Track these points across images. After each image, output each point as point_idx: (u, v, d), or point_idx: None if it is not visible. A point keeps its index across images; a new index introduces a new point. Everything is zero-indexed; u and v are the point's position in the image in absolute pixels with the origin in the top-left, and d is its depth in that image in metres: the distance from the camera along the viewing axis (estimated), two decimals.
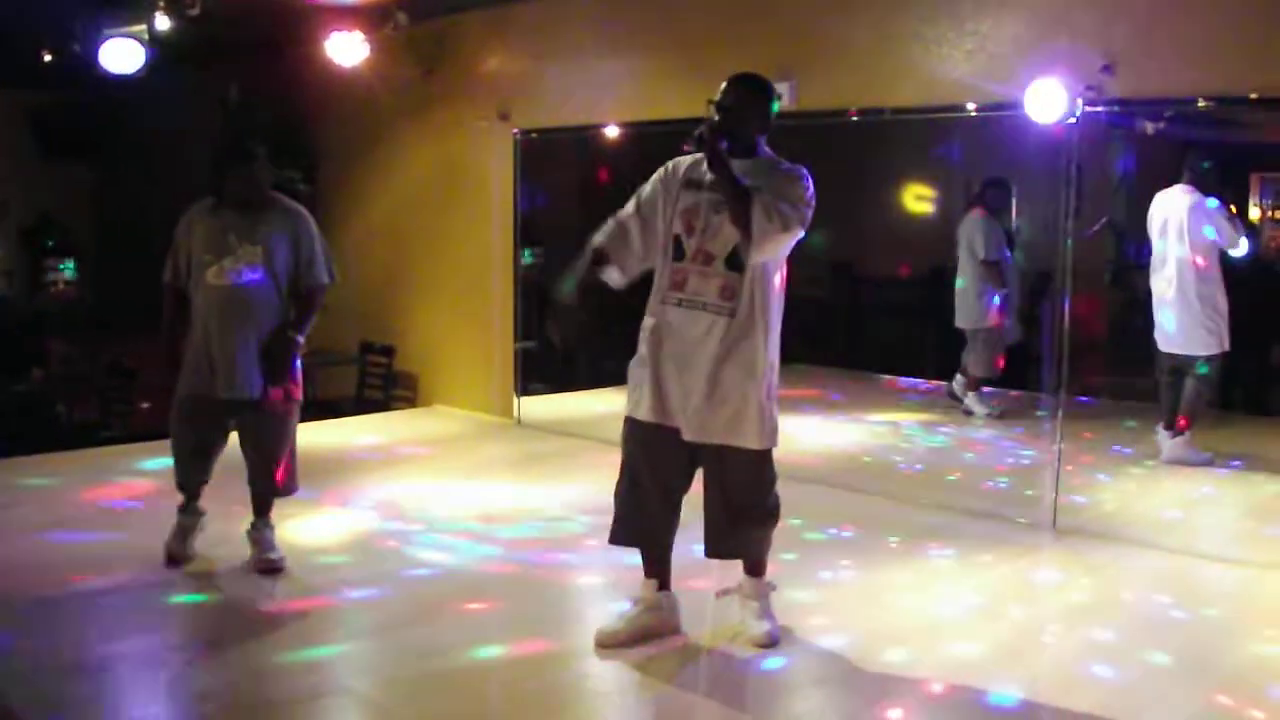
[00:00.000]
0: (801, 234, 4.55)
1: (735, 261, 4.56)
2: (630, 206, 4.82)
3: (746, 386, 4.58)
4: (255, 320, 5.58)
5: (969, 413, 9.20)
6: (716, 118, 4.55)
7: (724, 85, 4.65)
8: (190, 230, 5.65)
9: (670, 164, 4.80)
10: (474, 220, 9.76)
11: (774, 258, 4.57)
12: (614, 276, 4.77)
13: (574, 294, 4.72)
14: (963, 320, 9.24)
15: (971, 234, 9.08)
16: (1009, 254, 9.08)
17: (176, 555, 5.70)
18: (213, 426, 5.72)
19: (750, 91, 4.69)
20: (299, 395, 5.79)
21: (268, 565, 5.66)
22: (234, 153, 5.64)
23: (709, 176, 4.55)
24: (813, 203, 4.57)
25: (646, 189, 4.82)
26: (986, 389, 9.26)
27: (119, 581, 5.52)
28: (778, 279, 4.68)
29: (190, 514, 5.81)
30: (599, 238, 4.79)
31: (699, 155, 4.61)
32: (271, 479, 5.75)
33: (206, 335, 5.58)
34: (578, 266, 4.74)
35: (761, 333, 4.59)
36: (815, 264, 9.37)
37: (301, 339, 5.73)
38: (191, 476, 5.77)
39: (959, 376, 9.28)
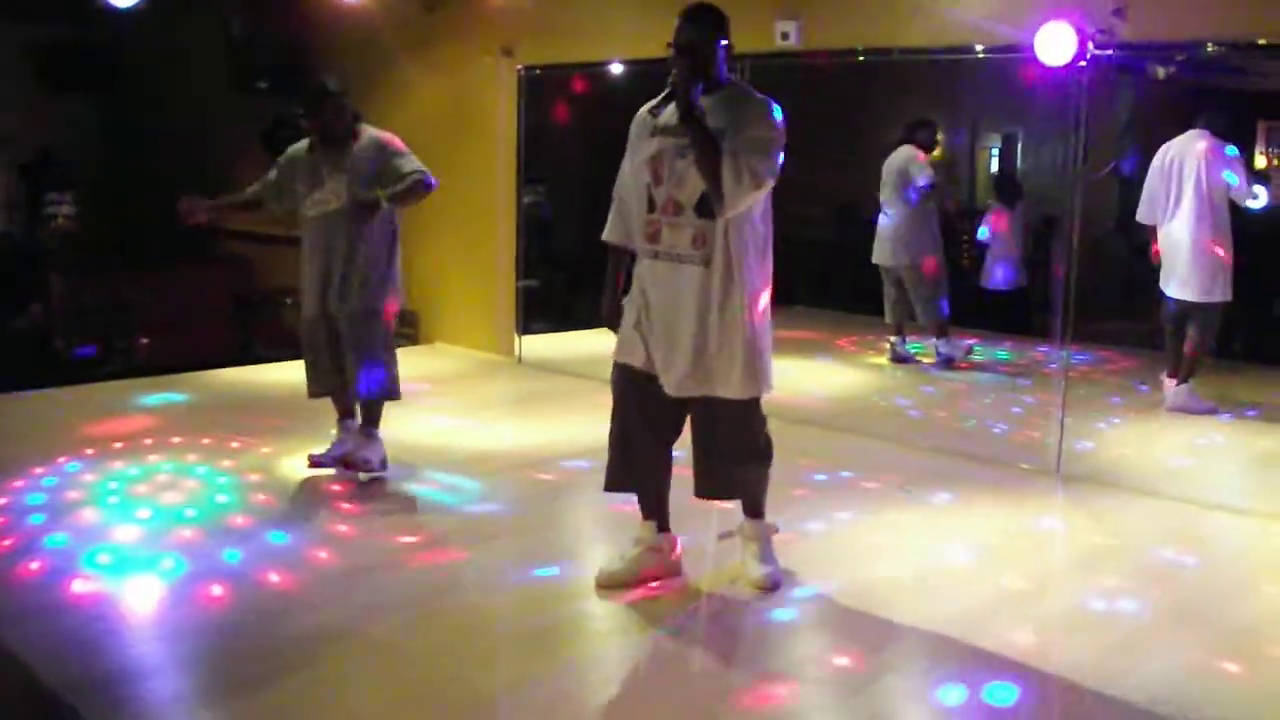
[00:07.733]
0: (774, 179, 4.42)
1: (705, 208, 4.41)
2: (617, 189, 4.79)
3: (730, 337, 4.49)
4: (340, 244, 6.04)
5: (949, 359, 9.10)
6: (678, 60, 4.32)
7: (678, 23, 4.44)
8: (288, 165, 6.25)
9: (635, 117, 4.70)
10: (477, 157, 9.67)
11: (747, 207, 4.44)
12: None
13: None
14: (890, 258, 9.08)
15: (906, 166, 8.98)
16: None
17: (314, 460, 6.32)
18: (325, 337, 6.17)
19: (706, 24, 4.46)
20: (395, 307, 6.22)
21: (349, 463, 6.19)
22: (310, 94, 6.21)
23: (671, 120, 4.43)
24: (783, 139, 4.41)
25: (625, 164, 4.74)
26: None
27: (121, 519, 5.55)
28: (759, 219, 4.55)
29: (340, 429, 6.40)
30: (606, 233, 4.83)
31: (658, 99, 4.51)
32: (366, 383, 6.13)
33: (309, 258, 6.17)
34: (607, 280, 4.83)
35: (741, 278, 4.46)
36: (818, 206, 9.30)
37: (385, 203, 5.93)
38: (312, 384, 6.34)
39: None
